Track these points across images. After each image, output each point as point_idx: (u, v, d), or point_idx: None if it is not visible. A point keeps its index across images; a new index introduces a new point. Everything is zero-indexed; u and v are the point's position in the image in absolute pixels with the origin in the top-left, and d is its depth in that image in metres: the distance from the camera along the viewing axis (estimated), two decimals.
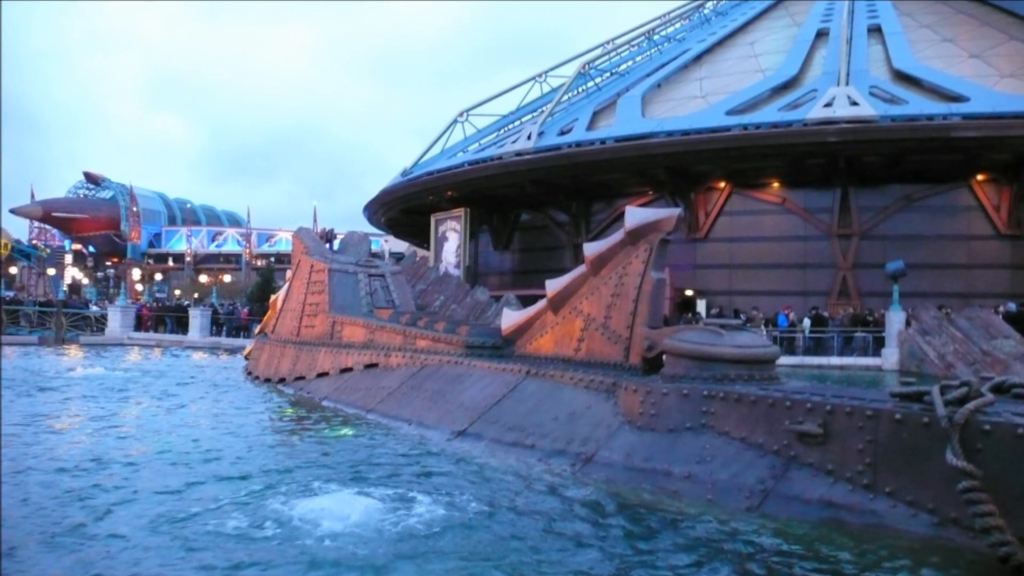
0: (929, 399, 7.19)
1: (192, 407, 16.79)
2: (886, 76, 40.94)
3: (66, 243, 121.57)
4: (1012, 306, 33.19)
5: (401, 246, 74.27)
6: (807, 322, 35.61)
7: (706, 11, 64.22)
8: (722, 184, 42.81)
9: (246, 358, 25.36)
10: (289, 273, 24.51)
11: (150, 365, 29.26)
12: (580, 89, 52.69)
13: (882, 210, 40.47)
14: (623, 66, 57.18)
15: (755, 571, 6.53)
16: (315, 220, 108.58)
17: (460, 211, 50.51)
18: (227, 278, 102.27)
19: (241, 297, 70.23)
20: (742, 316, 33.88)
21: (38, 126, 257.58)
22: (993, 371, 23.04)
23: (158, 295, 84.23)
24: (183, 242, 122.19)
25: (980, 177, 39.43)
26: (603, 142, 41.59)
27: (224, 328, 45.62)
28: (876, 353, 32.72)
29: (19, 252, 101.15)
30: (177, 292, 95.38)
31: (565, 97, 50.80)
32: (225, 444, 11.92)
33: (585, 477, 9.39)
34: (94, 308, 53.08)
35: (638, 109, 44.17)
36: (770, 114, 38.85)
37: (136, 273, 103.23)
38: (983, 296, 37.17)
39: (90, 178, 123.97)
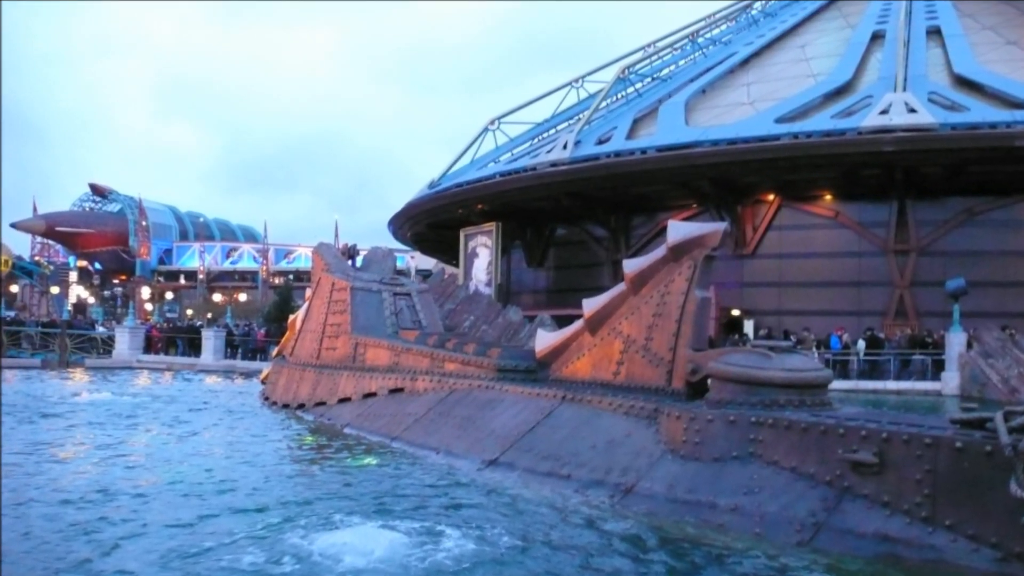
0: (992, 426, 7.19)
1: (205, 435, 16.95)
2: (946, 81, 40.82)
3: (71, 260, 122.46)
4: None
5: (428, 263, 74.62)
6: (861, 344, 35.49)
7: (754, 12, 64.19)
8: (771, 196, 42.71)
9: (263, 382, 25.49)
10: (309, 292, 24.63)
11: (160, 390, 29.49)
12: (619, 95, 52.69)
13: (942, 224, 40.22)
14: (665, 70, 57.26)
15: None
16: (336, 235, 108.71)
17: (491, 225, 50.59)
18: (242, 297, 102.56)
19: (257, 317, 70.47)
20: (792, 337, 33.78)
21: (41, 134, 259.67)
22: None
23: (169, 315, 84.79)
24: (195, 258, 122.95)
25: None
26: (644, 152, 41.62)
27: (239, 350, 45.93)
28: (935, 377, 32.57)
29: (21, 269, 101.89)
30: (189, 312, 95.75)
31: (603, 103, 50.81)
32: (240, 474, 12.01)
33: (625, 509, 9.42)
34: (100, 329, 53.47)
35: (681, 116, 44.23)
36: (822, 122, 38.76)
37: (145, 291, 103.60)
38: None
39: (96, 190, 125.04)
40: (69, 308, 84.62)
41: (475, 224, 51.82)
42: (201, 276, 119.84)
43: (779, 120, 39.71)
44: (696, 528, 8.63)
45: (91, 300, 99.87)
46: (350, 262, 23.16)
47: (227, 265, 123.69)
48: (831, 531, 7.91)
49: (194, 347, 46.05)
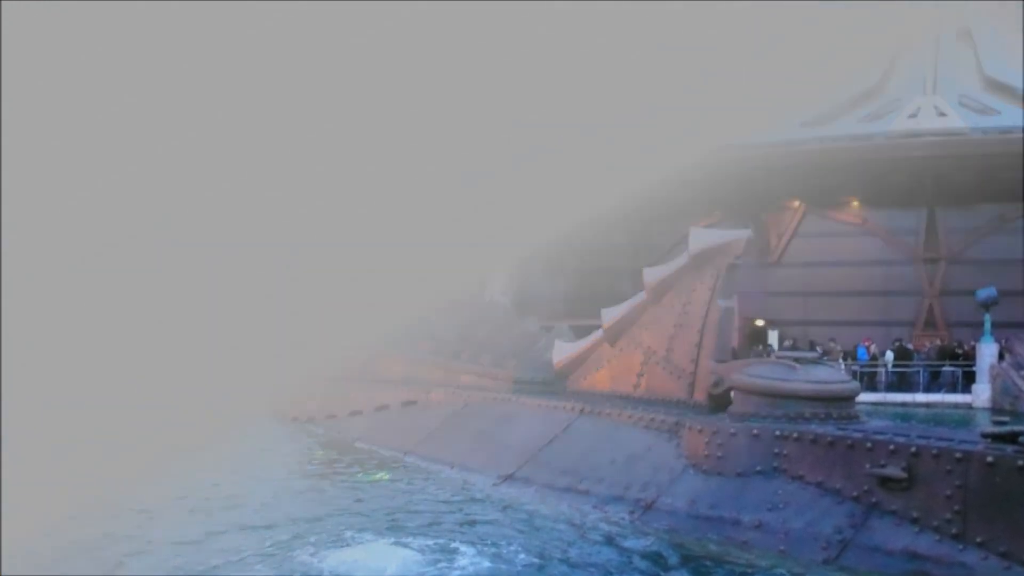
0: None
1: (212, 448, 16.96)
2: (977, 84, 40.56)
3: None
4: None
5: None
6: (890, 355, 35.36)
7: None
8: (796, 203, 42.58)
9: None
10: None
11: None
12: None
13: (972, 232, 40.04)
14: None
15: None
16: None
17: None
18: None
19: None
20: (818, 348, 33.65)
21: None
22: None
23: None
24: None
25: None
26: None
27: None
28: (966, 389, 32.43)
29: None
30: None
31: None
32: (248, 489, 12.04)
33: (645, 525, 9.41)
34: None
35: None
36: (849, 126, 38.61)
37: None
38: None
39: None
40: None
41: None
42: None
43: (804, 124, 39.58)
44: (719, 545, 8.61)
45: None
46: None
47: None
48: (858, 548, 7.89)
49: None
